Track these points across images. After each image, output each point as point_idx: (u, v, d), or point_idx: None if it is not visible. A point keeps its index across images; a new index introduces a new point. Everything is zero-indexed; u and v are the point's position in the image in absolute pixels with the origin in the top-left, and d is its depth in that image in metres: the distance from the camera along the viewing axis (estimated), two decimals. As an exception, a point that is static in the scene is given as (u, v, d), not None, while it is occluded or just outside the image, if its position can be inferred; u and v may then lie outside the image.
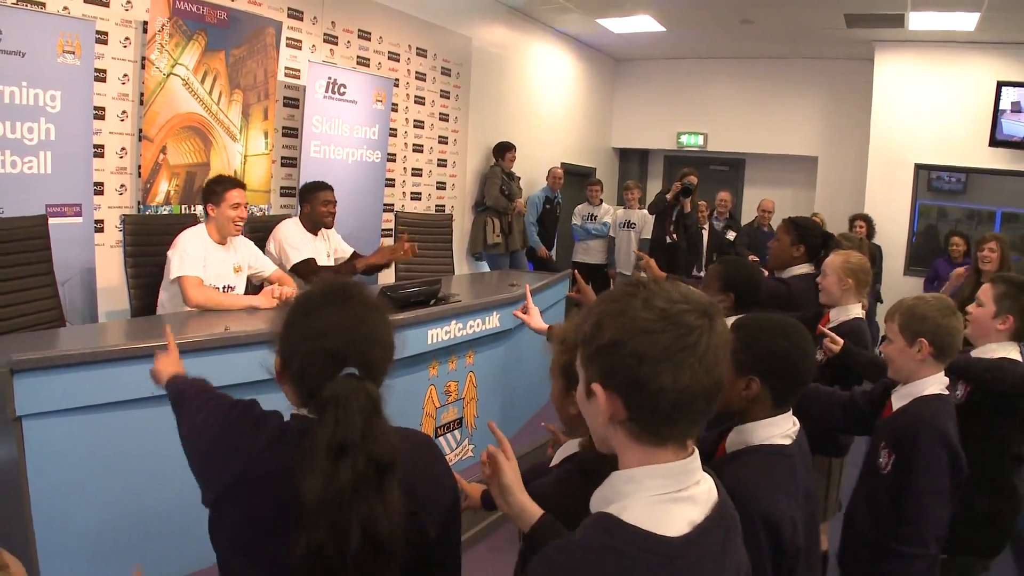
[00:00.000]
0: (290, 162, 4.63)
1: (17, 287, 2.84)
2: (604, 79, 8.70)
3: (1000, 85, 6.33)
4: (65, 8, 3.30)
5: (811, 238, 3.00)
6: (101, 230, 3.59)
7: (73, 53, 3.18)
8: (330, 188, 3.75)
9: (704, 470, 0.89)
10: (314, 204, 3.70)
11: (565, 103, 7.91)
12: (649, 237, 6.26)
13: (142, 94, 3.63)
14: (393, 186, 5.51)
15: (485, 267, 6.33)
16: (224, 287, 3.13)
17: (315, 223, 3.73)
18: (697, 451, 0.88)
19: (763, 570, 1.17)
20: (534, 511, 1.16)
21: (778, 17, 6.41)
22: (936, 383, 1.83)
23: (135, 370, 2.24)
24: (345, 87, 4.64)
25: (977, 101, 6.49)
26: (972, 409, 2.04)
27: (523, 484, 1.20)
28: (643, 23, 6.93)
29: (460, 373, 3.54)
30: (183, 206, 3.86)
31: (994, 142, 6.42)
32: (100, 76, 3.48)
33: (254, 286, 3.36)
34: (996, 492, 2.07)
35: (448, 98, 6.02)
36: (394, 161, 5.46)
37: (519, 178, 6.43)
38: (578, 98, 8.17)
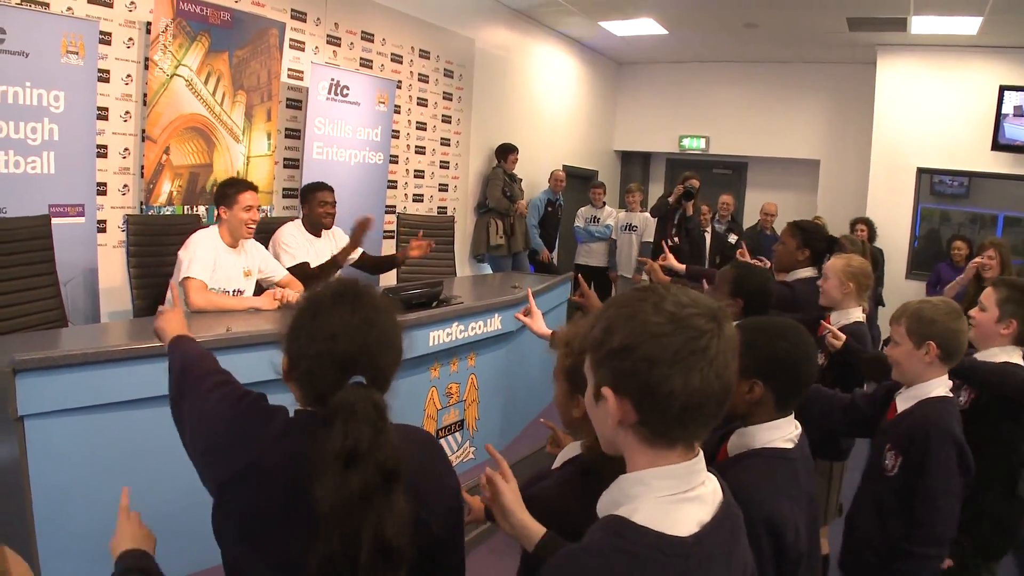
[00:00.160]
0: (293, 163, 4.63)
1: (20, 287, 2.85)
2: (606, 82, 8.70)
3: (1002, 89, 6.32)
4: (69, 9, 3.31)
5: (816, 242, 3.00)
6: (104, 230, 3.59)
7: (77, 53, 3.19)
8: (329, 189, 3.75)
9: (708, 470, 0.89)
10: (312, 205, 3.71)
11: (567, 105, 7.91)
12: (651, 240, 6.26)
13: (145, 95, 3.64)
14: (395, 188, 5.51)
15: (487, 269, 6.32)
16: (234, 291, 3.12)
17: (315, 224, 3.73)
18: (702, 452, 0.88)
19: (765, 574, 1.16)
20: (536, 530, 1.17)
21: (781, 21, 6.40)
22: (941, 385, 1.84)
23: (137, 370, 2.26)
24: (348, 89, 4.65)
25: (979, 105, 6.47)
26: (977, 414, 2.04)
27: (524, 498, 1.20)
28: (646, 26, 6.93)
29: (462, 375, 3.54)
30: (186, 207, 3.87)
31: (996, 146, 6.41)
32: (103, 77, 3.48)
33: (263, 290, 3.33)
34: (1001, 496, 2.07)
35: (451, 100, 6.02)
36: (396, 163, 5.46)
37: (521, 180, 6.43)
38: (580, 100, 8.17)
